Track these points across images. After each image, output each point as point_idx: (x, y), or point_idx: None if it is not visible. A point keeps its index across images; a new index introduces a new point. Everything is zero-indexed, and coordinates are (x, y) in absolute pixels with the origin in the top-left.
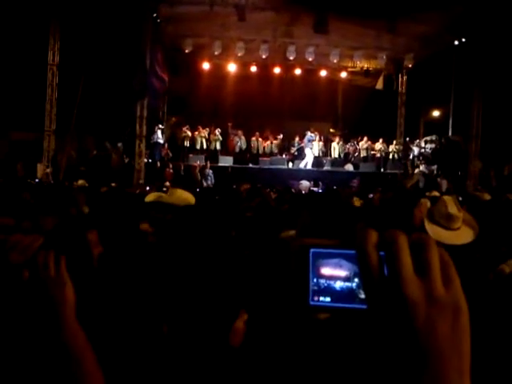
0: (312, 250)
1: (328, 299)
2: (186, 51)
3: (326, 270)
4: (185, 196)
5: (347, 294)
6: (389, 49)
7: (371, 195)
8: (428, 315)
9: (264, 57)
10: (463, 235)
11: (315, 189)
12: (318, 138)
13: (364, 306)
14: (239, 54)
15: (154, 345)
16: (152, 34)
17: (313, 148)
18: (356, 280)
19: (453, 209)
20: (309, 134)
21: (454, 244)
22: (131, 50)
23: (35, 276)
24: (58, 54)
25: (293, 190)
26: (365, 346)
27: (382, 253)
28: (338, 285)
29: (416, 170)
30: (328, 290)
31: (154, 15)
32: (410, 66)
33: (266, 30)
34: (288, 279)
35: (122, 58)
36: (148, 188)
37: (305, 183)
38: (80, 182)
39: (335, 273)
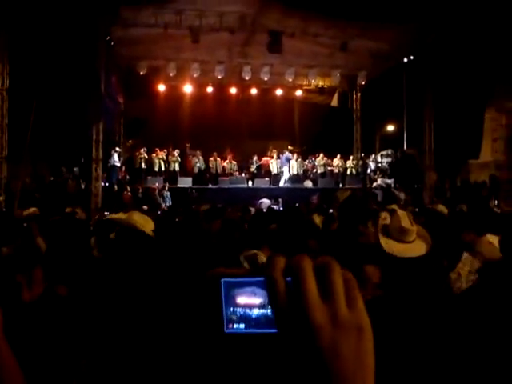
0: (223, 280)
1: (242, 326)
2: (141, 73)
3: (241, 299)
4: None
5: (263, 321)
6: (342, 66)
7: (331, 210)
8: (332, 337)
9: (220, 77)
10: (416, 248)
11: (275, 206)
12: (276, 156)
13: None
14: (195, 75)
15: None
16: (106, 56)
17: (290, 166)
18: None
19: (405, 222)
20: (286, 153)
21: (407, 257)
22: (85, 72)
23: None
24: (7, 78)
25: (252, 209)
26: (276, 369)
27: (289, 278)
28: (255, 312)
29: (374, 184)
30: (244, 318)
31: (108, 38)
32: (363, 82)
33: (221, 50)
34: (202, 309)
35: (75, 81)
36: (107, 213)
37: (265, 201)
38: (32, 209)
39: (250, 301)
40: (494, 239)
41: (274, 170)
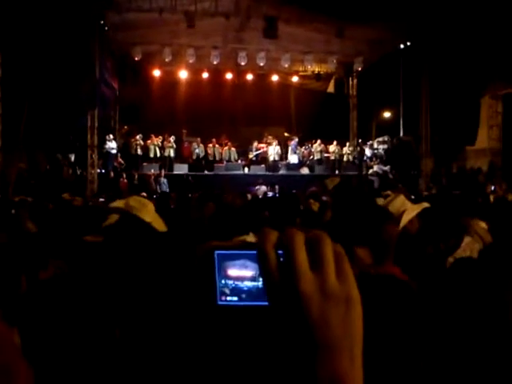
0: (217, 252)
1: (235, 298)
2: (136, 59)
3: (232, 272)
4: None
5: (254, 293)
6: (338, 53)
7: (324, 198)
8: (321, 307)
9: (215, 63)
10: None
11: (270, 193)
12: (276, 143)
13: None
14: (190, 61)
15: (106, 349)
16: (100, 41)
17: (298, 153)
18: (261, 279)
19: (392, 207)
20: (294, 140)
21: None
22: (79, 59)
23: None
24: None
25: (249, 196)
26: (267, 340)
27: (280, 252)
28: (246, 284)
29: (370, 171)
30: (236, 290)
31: (102, 22)
32: (360, 69)
33: (217, 36)
34: (195, 281)
35: (69, 68)
36: (102, 199)
37: (262, 188)
38: (17, 198)
39: (242, 273)
40: (483, 224)
41: (271, 157)
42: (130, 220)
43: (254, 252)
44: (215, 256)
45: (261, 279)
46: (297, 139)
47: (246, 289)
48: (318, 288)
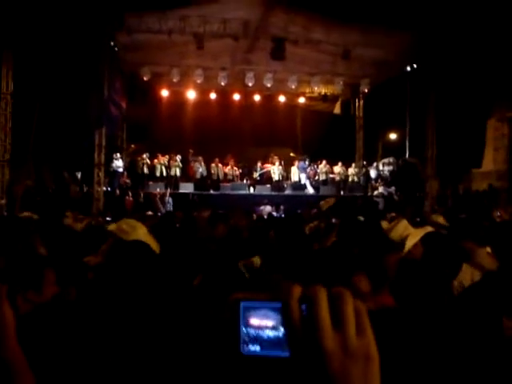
0: (243, 304)
1: (258, 348)
2: (145, 79)
3: (254, 321)
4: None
5: (275, 343)
6: (345, 74)
7: (334, 220)
8: (342, 364)
9: (223, 84)
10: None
11: (275, 213)
12: (278, 163)
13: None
14: (198, 81)
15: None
16: (109, 61)
17: (306, 174)
18: (282, 329)
19: (394, 234)
20: (302, 162)
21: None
22: (88, 78)
23: None
24: (11, 82)
25: (254, 216)
26: None
27: (303, 306)
28: (267, 334)
29: (375, 192)
30: (257, 339)
31: (112, 43)
32: (366, 90)
33: (225, 57)
34: (219, 330)
35: (78, 86)
36: (108, 218)
37: (267, 208)
38: (25, 214)
39: (263, 323)
40: (488, 249)
41: (275, 177)
42: (120, 244)
43: (279, 305)
44: (241, 307)
45: (281, 328)
46: (302, 162)
47: (266, 338)
48: (340, 345)
